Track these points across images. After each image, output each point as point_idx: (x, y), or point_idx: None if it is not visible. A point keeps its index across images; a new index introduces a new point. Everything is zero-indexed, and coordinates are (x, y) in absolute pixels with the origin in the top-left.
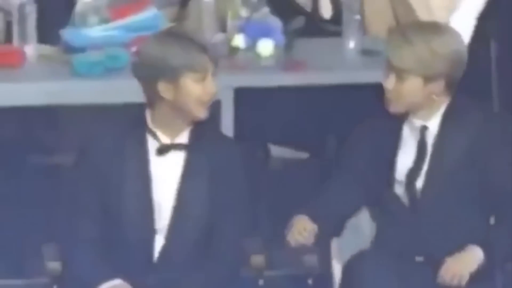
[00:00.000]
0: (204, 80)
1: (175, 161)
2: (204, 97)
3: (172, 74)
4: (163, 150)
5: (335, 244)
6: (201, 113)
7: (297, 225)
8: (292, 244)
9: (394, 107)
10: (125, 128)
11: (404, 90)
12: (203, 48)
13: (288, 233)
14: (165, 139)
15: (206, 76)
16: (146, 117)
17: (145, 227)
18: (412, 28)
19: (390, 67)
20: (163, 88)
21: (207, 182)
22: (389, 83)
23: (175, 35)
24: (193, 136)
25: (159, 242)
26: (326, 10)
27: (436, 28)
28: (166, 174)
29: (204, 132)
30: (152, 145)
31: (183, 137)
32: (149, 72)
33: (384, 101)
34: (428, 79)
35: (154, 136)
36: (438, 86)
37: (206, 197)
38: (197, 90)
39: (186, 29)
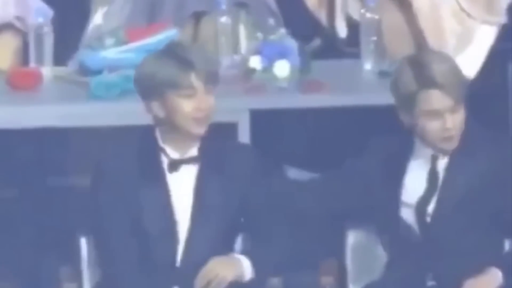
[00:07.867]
0: (194, 96)
1: (189, 175)
2: (196, 114)
3: (159, 93)
4: (173, 165)
5: (351, 268)
6: (196, 130)
7: None
8: None
9: (455, 143)
10: (139, 147)
11: (460, 122)
12: (188, 64)
13: None
14: (175, 155)
15: (195, 93)
16: (157, 135)
17: (168, 239)
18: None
19: (444, 108)
20: (155, 107)
21: (223, 189)
22: (451, 122)
23: (165, 52)
24: (203, 148)
25: (180, 248)
26: (342, 31)
27: (447, 56)
28: (182, 188)
29: (215, 142)
30: (165, 162)
31: (193, 151)
32: (142, 92)
33: (447, 141)
34: (462, 105)
35: (164, 153)
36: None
37: (222, 203)
38: (186, 107)
39: (186, 44)
